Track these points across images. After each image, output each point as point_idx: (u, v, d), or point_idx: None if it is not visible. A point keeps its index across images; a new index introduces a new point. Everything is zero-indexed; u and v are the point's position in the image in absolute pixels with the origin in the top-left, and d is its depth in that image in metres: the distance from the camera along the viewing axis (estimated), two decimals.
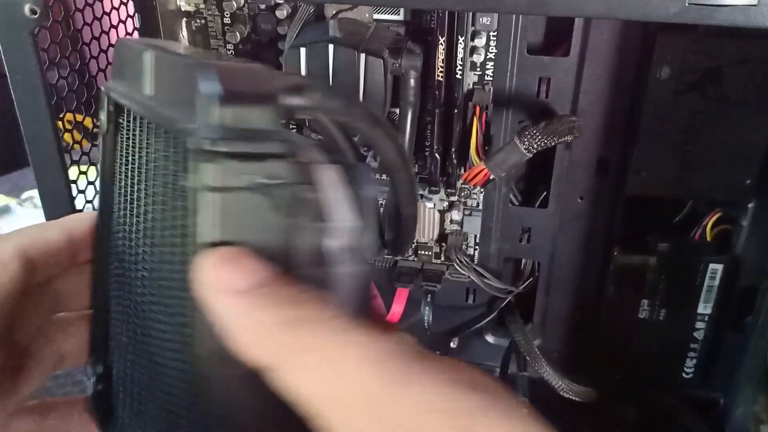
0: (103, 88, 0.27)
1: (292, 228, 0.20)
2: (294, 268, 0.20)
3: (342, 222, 0.21)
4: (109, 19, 0.50)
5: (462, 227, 0.61)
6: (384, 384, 0.17)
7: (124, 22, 0.52)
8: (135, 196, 0.25)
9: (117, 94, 0.26)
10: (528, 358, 0.60)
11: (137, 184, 0.25)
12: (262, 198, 0.20)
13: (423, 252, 0.63)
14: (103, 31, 0.49)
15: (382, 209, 0.30)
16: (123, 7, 0.51)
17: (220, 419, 0.20)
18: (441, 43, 0.51)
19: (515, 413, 0.17)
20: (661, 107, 0.49)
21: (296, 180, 0.20)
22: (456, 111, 0.54)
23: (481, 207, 0.59)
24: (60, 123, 0.43)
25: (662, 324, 0.57)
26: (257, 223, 0.20)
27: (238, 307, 0.18)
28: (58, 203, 0.45)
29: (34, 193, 0.75)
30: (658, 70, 0.48)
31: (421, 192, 0.58)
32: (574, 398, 0.61)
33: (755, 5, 0.31)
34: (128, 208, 0.26)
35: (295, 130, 0.56)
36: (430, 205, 0.60)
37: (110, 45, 0.50)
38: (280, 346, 0.18)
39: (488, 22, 0.51)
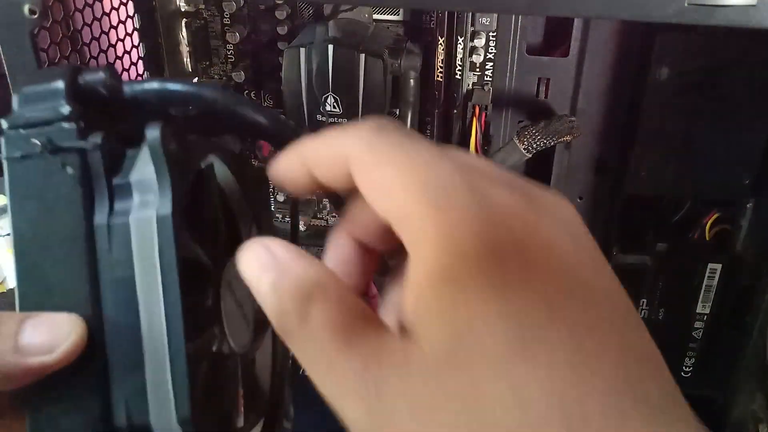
0: None
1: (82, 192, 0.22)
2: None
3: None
4: (109, 19, 0.50)
5: None
6: None
7: (124, 23, 0.52)
8: None
9: None
10: None
11: None
12: (52, 160, 0.22)
13: None
14: (102, 32, 0.49)
15: None
16: (123, 8, 0.51)
17: None
18: (440, 44, 0.51)
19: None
20: (660, 107, 0.49)
21: (89, 145, 0.22)
22: (455, 111, 0.54)
23: None
24: None
25: (661, 323, 0.57)
26: (51, 187, 0.22)
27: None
28: None
29: None
30: (657, 71, 0.48)
31: None
32: None
33: (754, 5, 0.31)
34: None
35: None
36: None
37: (110, 45, 0.50)
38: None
39: (488, 23, 0.51)
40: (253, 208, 0.32)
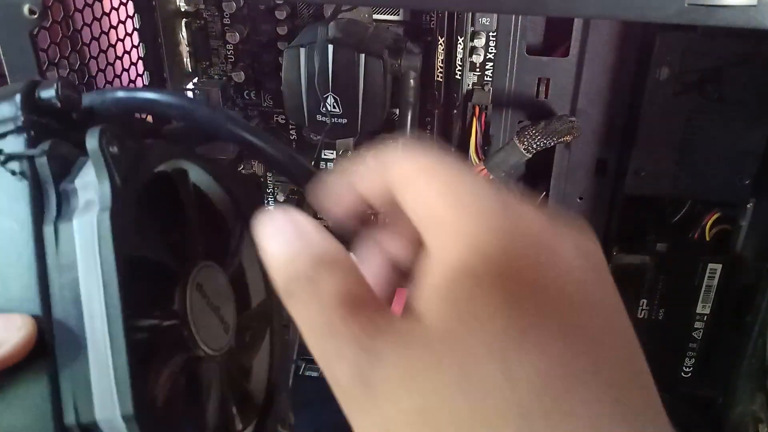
0: None
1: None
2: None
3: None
4: (109, 19, 0.50)
5: None
6: None
7: (124, 23, 0.52)
8: None
9: None
10: None
11: None
12: (3, 169, 0.23)
13: None
14: (102, 32, 0.49)
15: None
16: (123, 8, 0.51)
17: None
18: (440, 44, 0.51)
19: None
20: (660, 107, 0.49)
21: (37, 152, 0.23)
22: (455, 111, 0.54)
23: None
24: None
25: (661, 323, 0.57)
26: (3, 194, 0.23)
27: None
28: None
29: None
30: (657, 71, 0.48)
31: None
32: None
33: (754, 5, 0.31)
34: None
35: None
36: None
37: (110, 45, 0.50)
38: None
39: (488, 23, 0.51)
40: (246, 213, 0.33)
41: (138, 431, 0.21)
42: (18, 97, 0.23)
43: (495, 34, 0.52)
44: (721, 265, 0.54)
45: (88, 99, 0.26)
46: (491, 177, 0.52)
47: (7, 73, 0.41)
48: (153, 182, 0.27)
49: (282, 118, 0.59)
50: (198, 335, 0.27)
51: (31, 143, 0.23)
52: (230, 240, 0.33)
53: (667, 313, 0.57)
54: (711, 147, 0.50)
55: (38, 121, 0.24)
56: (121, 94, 0.27)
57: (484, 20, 0.51)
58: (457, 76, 0.53)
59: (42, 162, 0.23)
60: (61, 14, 0.43)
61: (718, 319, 0.56)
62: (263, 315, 0.35)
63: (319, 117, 0.50)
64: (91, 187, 0.23)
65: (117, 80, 0.52)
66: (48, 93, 0.24)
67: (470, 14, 0.51)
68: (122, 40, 0.52)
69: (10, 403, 0.22)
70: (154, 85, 0.56)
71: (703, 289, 0.55)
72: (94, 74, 0.50)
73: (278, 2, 0.53)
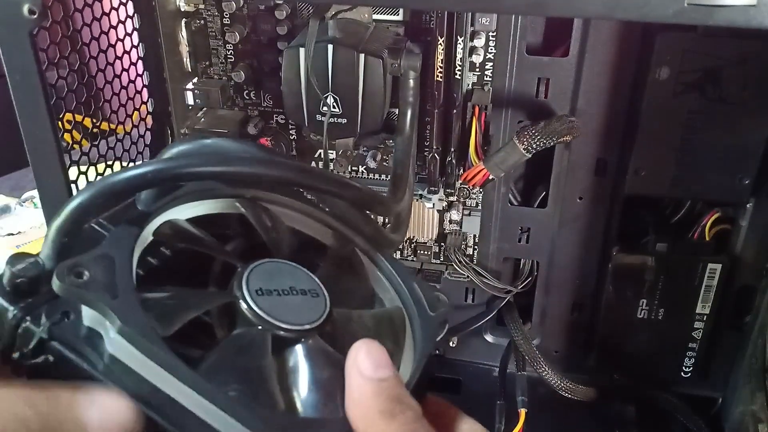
0: None
1: None
2: None
3: None
4: (109, 19, 0.50)
5: (461, 227, 0.61)
6: None
7: (124, 23, 0.52)
8: None
9: None
10: (527, 357, 0.60)
11: None
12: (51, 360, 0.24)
13: (422, 252, 0.63)
14: (102, 32, 0.49)
15: None
16: (122, 8, 0.51)
17: None
18: (440, 44, 0.51)
19: None
20: (660, 107, 0.49)
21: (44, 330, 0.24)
22: (455, 111, 0.54)
23: (480, 207, 0.59)
24: (60, 123, 0.43)
25: (661, 323, 0.57)
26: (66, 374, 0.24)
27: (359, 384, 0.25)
28: (57, 203, 0.45)
29: (36, 192, 0.75)
30: (657, 71, 0.48)
31: (420, 192, 0.58)
32: (572, 397, 0.61)
33: (754, 5, 0.31)
34: None
35: None
36: (429, 205, 0.60)
37: (110, 45, 0.50)
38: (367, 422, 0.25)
39: (487, 23, 0.51)
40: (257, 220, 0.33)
41: None
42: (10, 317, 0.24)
43: (495, 34, 0.52)
44: (721, 265, 0.54)
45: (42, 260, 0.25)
46: (491, 176, 0.52)
47: (7, 73, 0.41)
48: (148, 254, 0.28)
49: (282, 118, 0.59)
50: (284, 323, 0.27)
51: (33, 321, 0.24)
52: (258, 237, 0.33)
53: (667, 313, 0.57)
54: (711, 147, 0.50)
55: (27, 304, 0.24)
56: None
57: (484, 20, 0.51)
58: (457, 76, 0.53)
59: (53, 345, 0.24)
60: (61, 14, 0.43)
61: (718, 319, 0.56)
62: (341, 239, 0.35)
63: (318, 117, 0.50)
64: (98, 320, 0.24)
65: (117, 80, 0.52)
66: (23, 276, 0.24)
67: (470, 14, 0.51)
68: (122, 40, 0.52)
69: None
70: (153, 84, 0.56)
71: (703, 289, 0.55)
72: (94, 74, 0.50)
73: (278, 2, 0.53)
